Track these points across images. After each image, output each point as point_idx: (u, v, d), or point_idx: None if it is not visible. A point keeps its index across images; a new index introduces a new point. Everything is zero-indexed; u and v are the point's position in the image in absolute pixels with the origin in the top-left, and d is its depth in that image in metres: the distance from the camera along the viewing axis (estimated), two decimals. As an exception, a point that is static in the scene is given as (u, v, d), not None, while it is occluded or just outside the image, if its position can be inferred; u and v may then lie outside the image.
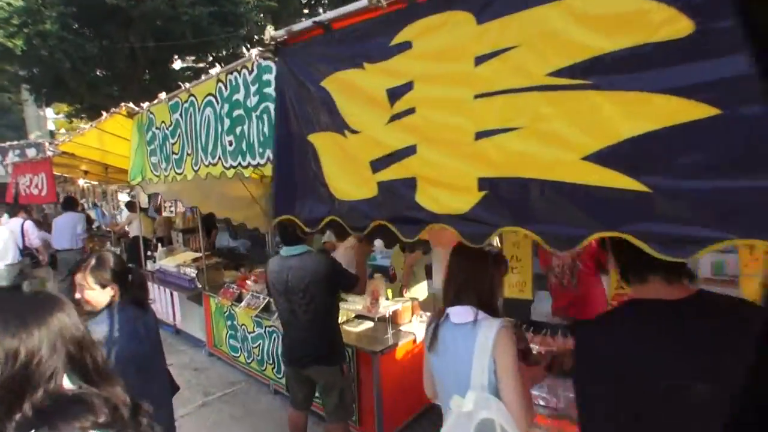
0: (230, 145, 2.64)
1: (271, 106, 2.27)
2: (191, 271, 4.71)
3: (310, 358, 2.42)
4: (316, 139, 1.48)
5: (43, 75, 12.78)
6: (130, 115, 3.99)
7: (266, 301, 3.70)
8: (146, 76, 14.26)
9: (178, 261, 5.02)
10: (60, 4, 10.34)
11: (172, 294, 5.10)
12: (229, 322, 4.11)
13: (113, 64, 12.65)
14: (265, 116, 2.33)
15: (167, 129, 3.36)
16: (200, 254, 5.27)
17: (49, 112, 25.96)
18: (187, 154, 3.14)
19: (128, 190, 8.19)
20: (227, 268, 5.00)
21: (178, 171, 3.29)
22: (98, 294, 1.89)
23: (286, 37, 1.58)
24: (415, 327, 3.17)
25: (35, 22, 10.06)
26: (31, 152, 7.86)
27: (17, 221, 6.37)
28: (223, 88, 2.67)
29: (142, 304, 2.08)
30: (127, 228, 7.40)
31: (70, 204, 6.50)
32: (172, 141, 3.31)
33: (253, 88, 2.42)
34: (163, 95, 3.38)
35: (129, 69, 13.33)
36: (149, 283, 5.42)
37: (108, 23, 11.54)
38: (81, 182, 7.45)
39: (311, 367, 2.44)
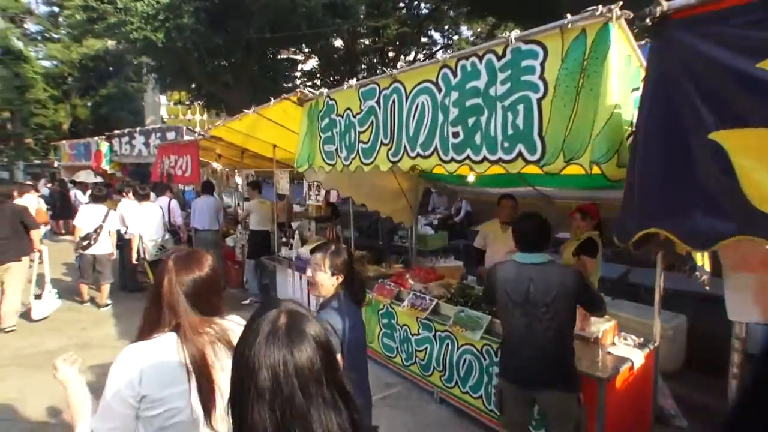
0: (455, 136, 2.43)
1: (533, 96, 2.02)
2: (337, 262, 4.65)
3: (545, 380, 2.15)
4: (726, 137, 1.16)
5: (171, 65, 13.95)
6: (301, 101, 3.96)
7: (434, 303, 3.51)
8: (255, 66, 14.98)
9: (320, 250, 5.01)
10: (196, -1, 11.08)
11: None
12: (385, 321, 3.98)
13: (231, 54, 13.40)
14: (519, 107, 2.08)
15: (354, 116, 3.26)
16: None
17: (162, 99, 28.77)
18: (382, 144, 3.00)
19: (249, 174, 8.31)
20: (368, 262, 4.93)
21: (365, 161, 3.17)
22: (327, 279, 1.97)
23: (692, 4, 1.25)
24: (622, 350, 2.78)
25: (175, 16, 10.88)
26: (170, 135, 8.46)
27: (164, 200, 6.87)
28: (451, 74, 2.46)
29: (359, 303, 2.12)
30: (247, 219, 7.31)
31: (209, 187, 6.82)
32: (360, 129, 3.20)
33: (502, 75, 2.17)
34: (353, 81, 3.28)
35: (243, 59, 14.07)
36: (288, 270, 5.54)
37: (231, 16, 12.21)
38: (214, 165, 7.87)
39: (545, 391, 2.17)
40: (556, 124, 1.93)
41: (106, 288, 6.06)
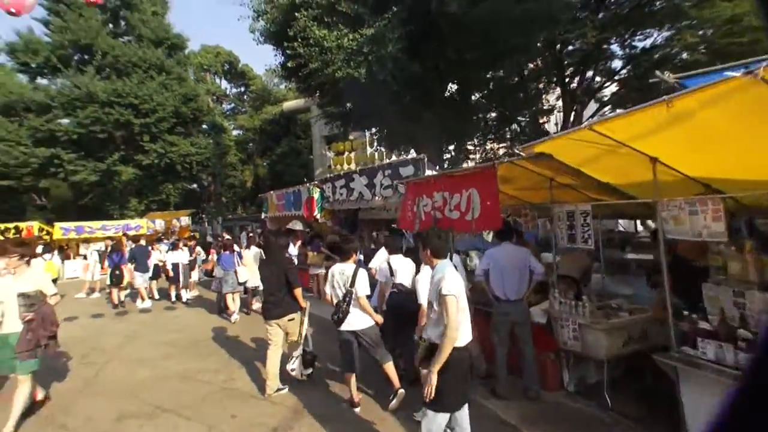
0: None
1: None
2: None
3: None
4: None
5: (360, 107, 13.29)
6: None
7: None
8: (445, 95, 13.57)
9: None
10: (400, 26, 10.07)
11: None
12: None
13: (426, 84, 12.15)
14: None
15: None
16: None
17: (329, 152, 30.37)
18: None
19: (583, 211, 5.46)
20: None
21: None
22: None
23: None
24: None
25: (379, 47, 10.01)
26: (405, 171, 6.98)
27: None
28: None
29: None
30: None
31: (509, 233, 4.69)
32: None
33: None
34: None
35: (434, 91, 12.73)
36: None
37: (426, 41, 10.98)
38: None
39: None
40: None
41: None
